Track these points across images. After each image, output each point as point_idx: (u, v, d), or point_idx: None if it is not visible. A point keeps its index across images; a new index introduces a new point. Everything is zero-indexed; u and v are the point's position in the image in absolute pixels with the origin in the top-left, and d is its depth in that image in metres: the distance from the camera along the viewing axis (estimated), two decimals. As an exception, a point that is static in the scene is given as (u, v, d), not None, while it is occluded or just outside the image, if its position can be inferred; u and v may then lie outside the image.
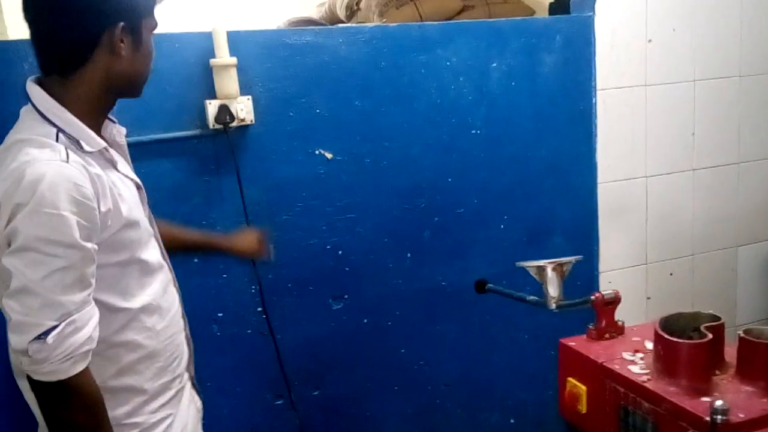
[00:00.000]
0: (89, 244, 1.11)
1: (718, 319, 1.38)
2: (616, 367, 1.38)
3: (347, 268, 2.24)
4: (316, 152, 2.15)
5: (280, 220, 2.12)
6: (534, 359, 2.52)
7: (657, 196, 2.92)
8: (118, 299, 1.22)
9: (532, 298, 1.73)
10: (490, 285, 1.98)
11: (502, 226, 2.52)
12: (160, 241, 1.37)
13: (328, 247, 2.20)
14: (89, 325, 1.11)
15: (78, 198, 1.08)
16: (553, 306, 1.65)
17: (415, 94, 2.24)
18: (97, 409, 1.15)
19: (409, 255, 2.34)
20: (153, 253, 1.30)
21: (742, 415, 1.16)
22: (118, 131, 1.34)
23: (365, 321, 2.30)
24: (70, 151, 1.12)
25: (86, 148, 1.17)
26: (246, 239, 1.78)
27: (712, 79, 2.84)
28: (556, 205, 2.59)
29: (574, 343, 1.52)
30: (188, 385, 1.43)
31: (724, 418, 1.14)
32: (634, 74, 2.65)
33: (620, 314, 1.62)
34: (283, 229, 2.13)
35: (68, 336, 1.08)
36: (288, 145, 2.10)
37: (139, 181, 1.31)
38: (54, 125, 1.16)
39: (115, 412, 1.23)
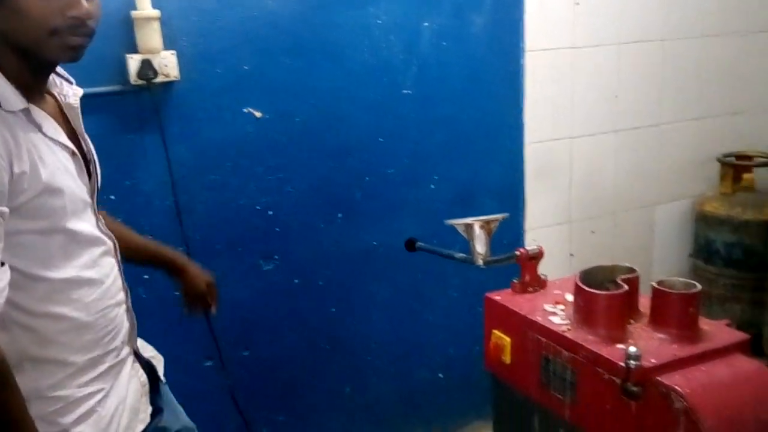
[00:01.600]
0: None
1: (634, 271, 1.45)
2: (539, 319, 1.43)
3: (277, 229, 2.22)
4: (245, 111, 2.10)
5: (207, 180, 2.08)
6: (462, 316, 2.58)
7: (581, 157, 3.00)
8: (39, 268, 1.16)
9: (460, 255, 1.77)
10: (419, 243, 2.00)
11: (432, 186, 2.54)
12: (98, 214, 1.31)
13: (258, 207, 2.18)
14: None
15: None
16: (481, 262, 1.69)
17: (346, 52, 2.22)
18: (7, 374, 1.09)
19: (339, 215, 2.34)
20: (85, 224, 1.24)
21: (653, 360, 1.23)
22: (73, 93, 1.29)
23: (296, 281, 2.30)
24: None
25: (6, 106, 1.11)
26: (199, 276, 1.68)
27: (636, 42, 2.92)
28: (485, 165, 2.63)
29: (499, 297, 1.56)
30: (130, 359, 1.38)
31: (637, 363, 1.20)
32: (562, 36, 2.70)
33: (544, 271, 1.68)
34: (211, 190, 2.09)
35: None
36: (215, 103, 2.05)
37: (73, 147, 1.24)
38: None
39: (39, 383, 1.19)
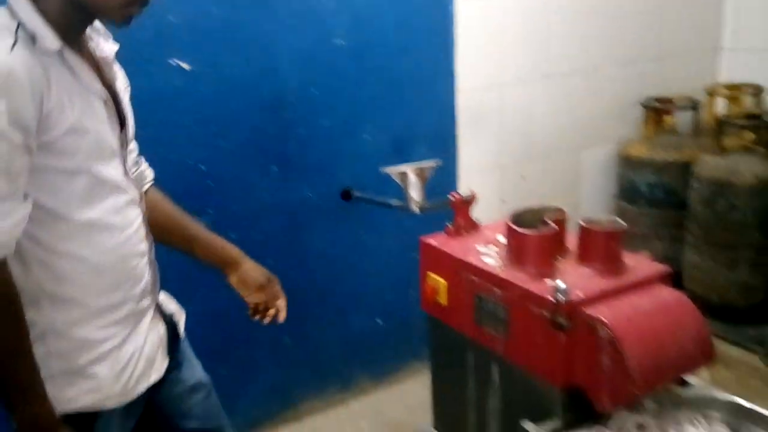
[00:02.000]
0: (20, 135, 1.09)
1: (562, 211, 1.51)
2: (472, 260, 1.48)
3: (211, 183, 2.20)
4: (172, 63, 2.05)
5: (135, 136, 2.03)
6: (399, 262, 2.62)
7: (511, 103, 3.06)
8: (62, 207, 1.20)
9: (396, 202, 1.80)
10: (355, 193, 2.02)
11: (366, 137, 2.55)
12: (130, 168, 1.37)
13: (190, 162, 2.15)
14: (10, 218, 1.11)
15: (10, 86, 1.07)
16: (416, 208, 1.73)
17: (276, 1, 2.18)
18: (7, 303, 1.14)
19: (274, 168, 2.33)
20: (111, 171, 1.28)
21: (580, 294, 1.29)
22: (110, 48, 1.35)
23: (232, 236, 2.28)
24: (20, 44, 1.11)
25: (41, 44, 1.14)
26: (248, 283, 1.64)
27: (562, -11, 2.97)
28: (418, 113, 2.66)
29: (433, 241, 1.60)
30: (150, 311, 1.42)
31: (565, 297, 1.26)
32: (491, -18, 2.71)
33: (478, 216, 1.72)
34: (140, 145, 2.04)
35: None
36: (139, 55, 1.98)
37: (105, 95, 1.26)
38: (17, 19, 1.14)
39: (56, 320, 1.24)
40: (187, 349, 1.59)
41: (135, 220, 1.35)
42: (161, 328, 1.46)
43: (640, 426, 1.29)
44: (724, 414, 1.34)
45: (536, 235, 1.39)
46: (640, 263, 1.43)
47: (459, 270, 1.51)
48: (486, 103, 2.93)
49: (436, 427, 1.76)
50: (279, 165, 2.34)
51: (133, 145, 1.48)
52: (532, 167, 3.22)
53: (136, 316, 1.36)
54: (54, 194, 1.19)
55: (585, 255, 1.42)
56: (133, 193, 1.35)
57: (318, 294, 2.59)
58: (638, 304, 1.31)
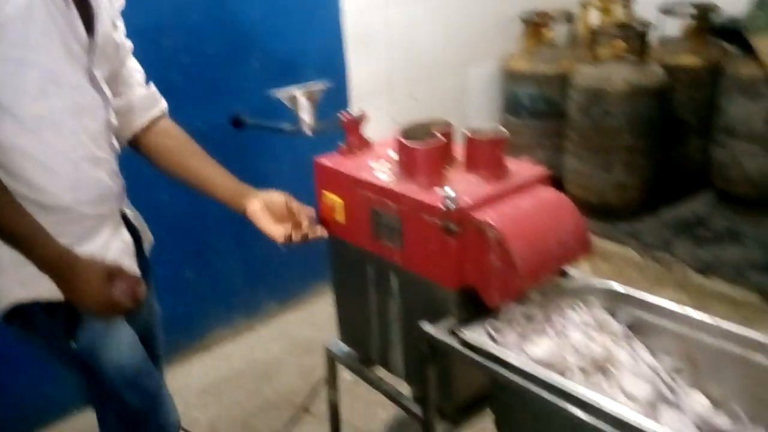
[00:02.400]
0: None
1: (448, 124, 1.57)
2: (366, 177, 1.53)
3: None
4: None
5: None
6: (295, 186, 2.63)
7: (397, 23, 3.07)
8: (12, 100, 1.23)
9: (287, 126, 1.80)
10: (246, 120, 2.00)
11: (254, 63, 2.51)
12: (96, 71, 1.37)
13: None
14: None
15: None
16: (308, 131, 1.74)
17: None
18: None
19: (158, 98, 2.25)
20: (68, 70, 1.30)
21: (468, 200, 1.37)
22: None
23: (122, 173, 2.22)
24: None
25: None
26: (274, 207, 1.59)
27: None
28: (305, 37, 2.63)
29: (327, 161, 1.63)
30: (113, 220, 1.48)
31: (454, 204, 1.33)
32: None
33: (371, 138, 1.76)
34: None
35: None
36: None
37: None
38: None
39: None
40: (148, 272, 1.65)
41: (93, 126, 1.37)
42: (126, 237, 1.51)
43: (527, 316, 1.41)
44: (602, 299, 1.48)
45: (424, 148, 1.45)
46: (521, 168, 1.52)
47: (354, 187, 1.56)
48: (372, 25, 2.93)
49: (342, 340, 1.84)
50: (164, 96, 2.26)
51: (126, 62, 1.55)
52: (422, 87, 3.28)
53: (93, 221, 1.41)
54: (2, 87, 1.21)
55: (471, 163, 1.50)
56: (96, 100, 1.37)
57: (216, 224, 2.58)
58: (521, 205, 1.40)
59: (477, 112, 3.67)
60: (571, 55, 3.47)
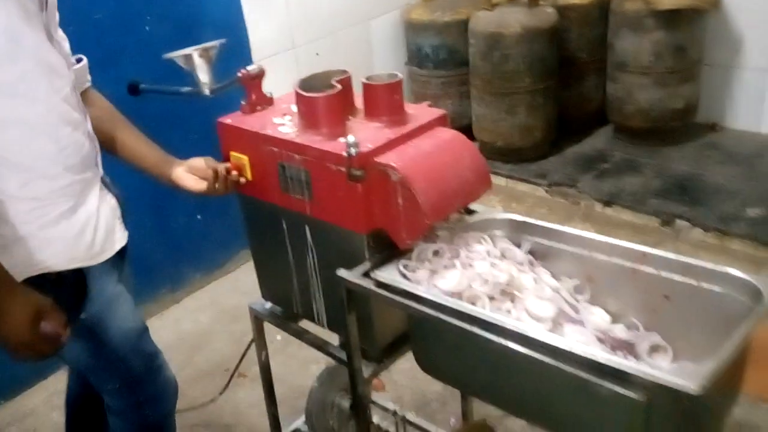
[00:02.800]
0: None
1: (346, 72, 1.59)
2: (269, 132, 1.53)
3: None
4: None
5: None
6: (202, 151, 2.60)
7: (293, -21, 3.04)
8: None
9: (186, 89, 1.77)
10: (143, 86, 1.95)
11: (147, 28, 2.44)
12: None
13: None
14: None
15: None
16: (207, 91, 1.71)
17: None
18: None
19: (49, 71, 2.16)
20: (30, 34, 1.31)
21: (370, 145, 1.40)
22: None
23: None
24: None
25: None
26: (197, 169, 1.62)
27: None
28: (198, -4, 2.57)
29: (229, 120, 1.63)
30: (97, 183, 1.52)
31: (356, 150, 1.37)
32: None
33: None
34: None
35: None
36: None
37: None
38: None
39: (5, 184, 1.32)
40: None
41: (63, 87, 1.40)
42: (112, 201, 1.57)
43: (436, 252, 1.47)
44: (505, 231, 1.56)
45: (323, 97, 1.47)
46: (420, 111, 1.56)
47: (258, 143, 1.56)
48: (267, -17, 2.89)
49: (266, 298, 1.86)
50: (54, 68, 2.18)
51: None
52: (325, 42, 3.27)
53: (79, 186, 1.45)
54: None
55: (371, 110, 1.53)
56: (59, 60, 1.40)
57: (128, 199, 2.52)
58: (421, 146, 1.45)
59: (383, 66, 3.69)
60: (469, 2, 3.53)
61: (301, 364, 2.58)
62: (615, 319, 1.43)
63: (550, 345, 1.16)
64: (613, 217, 3.19)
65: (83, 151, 1.47)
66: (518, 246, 1.54)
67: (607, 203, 3.19)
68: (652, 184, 3.24)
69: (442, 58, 3.59)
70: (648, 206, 3.10)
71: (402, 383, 2.45)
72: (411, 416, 2.10)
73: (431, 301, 1.31)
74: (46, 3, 1.39)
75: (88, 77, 1.70)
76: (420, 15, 3.56)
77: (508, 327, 1.21)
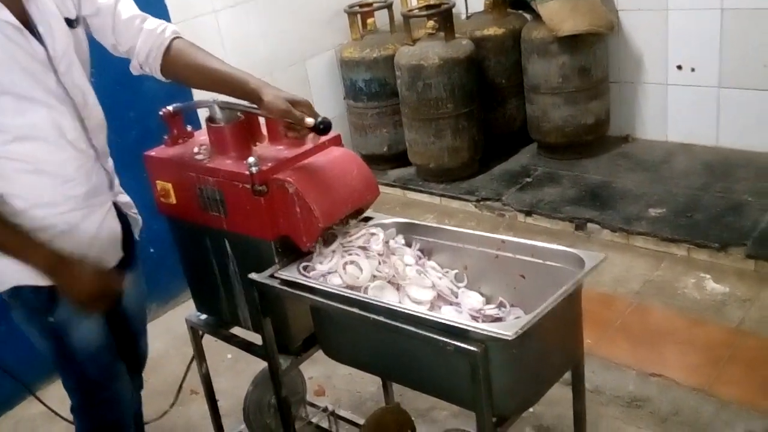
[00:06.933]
0: None
1: (252, 106, 1.84)
2: (188, 160, 1.78)
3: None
4: None
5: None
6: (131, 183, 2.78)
7: (229, 28, 3.31)
8: None
9: None
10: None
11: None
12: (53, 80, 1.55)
13: None
14: None
15: None
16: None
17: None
18: None
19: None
20: (37, 89, 1.51)
21: (269, 164, 1.66)
22: None
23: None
24: None
25: None
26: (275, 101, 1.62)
27: None
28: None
29: (154, 152, 1.87)
30: (101, 209, 1.70)
31: (257, 168, 1.61)
32: None
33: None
34: None
35: None
36: None
37: (17, 24, 1.46)
38: None
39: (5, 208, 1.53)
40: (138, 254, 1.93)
41: (72, 130, 1.59)
42: (114, 226, 1.75)
43: (333, 251, 1.72)
44: (398, 232, 1.81)
45: (228, 126, 1.72)
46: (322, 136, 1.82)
47: (180, 171, 1.81)
48: (203, 32, 3.14)
49: (199, 310, 2.08)
50: None
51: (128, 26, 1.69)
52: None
53: (84, 212, 1.64)
54: None
55: (272, 136, 1.79)
56: (69, 106, 1.57)
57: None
58: (314, 163, 1.71)
59: (323, 102, 3.96)
60: (394, 38, 3.84)
61: (248, 379, 2.75)
62: (489, 300, 1.69)
63: (412, 315, 1.41)
64: (532, 225, 3.47)
65: (91, 182, 1.66)
66: (411, 244, 1.79)
67: (528, 213, 3.47)
68: (568, 194, 3.53)
69: (375, 91, 3.88)
70: (563, 213, 3.38)
71: (340, 387, 2.67)
72: (340, 411, 2.32)
73: (323, 291, 1.56)
74: (56, 56, 1.54)
75: (166, 34, 1.73)
76: (352, 53, 3.86)
77: (379, 305, 1.46)
